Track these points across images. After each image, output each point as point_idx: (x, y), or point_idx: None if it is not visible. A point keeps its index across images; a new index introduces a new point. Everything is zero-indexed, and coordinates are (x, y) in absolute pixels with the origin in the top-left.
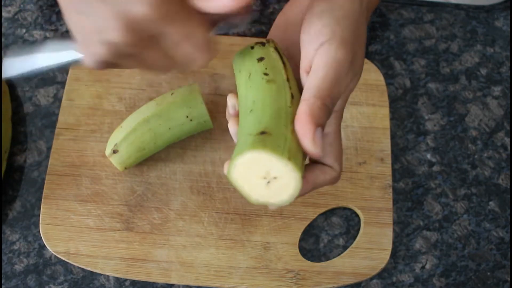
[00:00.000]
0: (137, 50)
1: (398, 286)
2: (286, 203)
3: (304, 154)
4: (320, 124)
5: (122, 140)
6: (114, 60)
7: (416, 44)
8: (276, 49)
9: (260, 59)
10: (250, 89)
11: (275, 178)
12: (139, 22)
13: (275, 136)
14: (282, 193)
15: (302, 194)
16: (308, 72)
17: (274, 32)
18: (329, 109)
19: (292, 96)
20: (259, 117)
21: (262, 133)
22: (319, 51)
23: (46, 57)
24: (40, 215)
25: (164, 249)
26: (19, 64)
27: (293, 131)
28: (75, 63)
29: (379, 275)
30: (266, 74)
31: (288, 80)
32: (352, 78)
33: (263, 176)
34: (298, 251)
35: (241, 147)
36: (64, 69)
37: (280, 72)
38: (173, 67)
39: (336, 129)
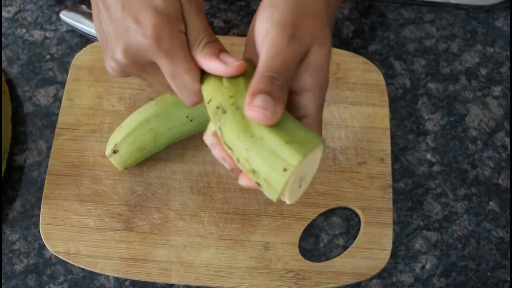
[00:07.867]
0: (137, 71)
1: (398, 286)
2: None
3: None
4: (260, 91)
5: (122, 140)
6: (123, 75)
7: (416, 44)
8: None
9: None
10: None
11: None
12: (137, 50)
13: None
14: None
15: None
16: None
17: (247, 50)
18: (272, 78)
19: None
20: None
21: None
22: (263, 42)
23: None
24: (40, 215)
25: (164, 249)
26: (71, 19)
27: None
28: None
29: (379, 275)
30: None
31: None
32: (307, 48)
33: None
34: (298, 251)
35: (283, 160)
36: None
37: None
38: (173, 92)
39: (315, 112)
